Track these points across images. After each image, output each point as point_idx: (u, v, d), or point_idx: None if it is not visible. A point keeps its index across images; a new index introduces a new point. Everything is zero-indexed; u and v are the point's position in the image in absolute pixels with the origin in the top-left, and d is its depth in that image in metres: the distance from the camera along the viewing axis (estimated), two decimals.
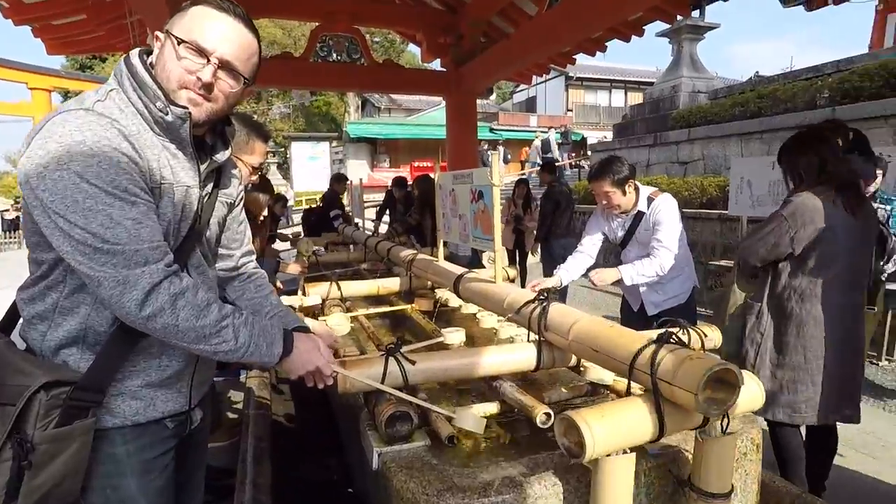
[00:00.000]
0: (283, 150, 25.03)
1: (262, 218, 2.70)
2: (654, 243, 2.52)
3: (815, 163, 2.00)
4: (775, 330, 2.07)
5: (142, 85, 0.96)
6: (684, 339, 1.49)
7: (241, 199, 1.26)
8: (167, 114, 0.97)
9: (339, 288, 2.49)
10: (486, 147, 18.18)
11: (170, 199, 0.99)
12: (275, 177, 22.57)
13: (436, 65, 6.37)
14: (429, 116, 22.30)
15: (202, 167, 1.07)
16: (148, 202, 0.94)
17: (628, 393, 1.10)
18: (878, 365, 4.02)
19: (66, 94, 15.63)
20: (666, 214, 2.52)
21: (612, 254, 3.18)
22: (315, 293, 2.48)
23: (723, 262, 5.15)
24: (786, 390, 2.02)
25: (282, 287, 3.03)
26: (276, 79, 5.90)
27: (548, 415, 1.22)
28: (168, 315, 0.92)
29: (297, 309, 2.33)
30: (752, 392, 1.04)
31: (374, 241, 3.49)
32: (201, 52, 0.96)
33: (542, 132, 19.13)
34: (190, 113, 0.99)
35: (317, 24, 5.55)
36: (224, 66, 0.98)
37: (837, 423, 2.12)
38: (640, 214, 2.60)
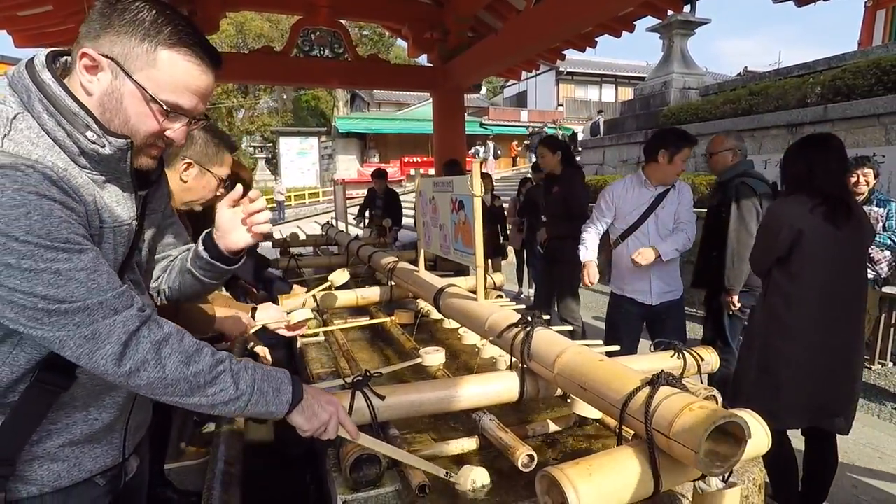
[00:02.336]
0: (271, 144, 24.75)
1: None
2: (683, 217, 2.83)
3: (804, 171, 2.01)
4: (765, 333, 2.08)
5: (61, 109, 0.79)
6: (680, 363, 1.39)
7: (168, 200, 1.11)
8: (104, 146, 0.81)
9: (316, 299, 2.35)
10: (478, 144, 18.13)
11: (109, 244, 0.85)
12: (263, 172, 22.31)
13: (423, 60, 6.23)
14: (419, 111, 22.12)
15: (142, 194, 0.93)
16: (94, 248, 0.80)
17: (619, 441, 0.98)
18: (870, 369, 3.97)
19: None
20: (689, 193, 2.92)
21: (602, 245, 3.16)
22: (289, 304, 2.34)
23: None
24: (769, 394, 2.00)
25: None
26: (256, 75, 5.73)
27: (531, 457, 1.11)
28: (153, 367, 0.79)
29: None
30: (759, 440, 0.93)
31: (357, 245, 3.35)
32: (180, 113, 0.86)
33: (535, 127, 19.07)
34: (132, 143, 0.84)
35: (298, 17, 5.38)
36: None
37: (833, 433, 2.08)
38: (670, 189, 2.84)
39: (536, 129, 19.01)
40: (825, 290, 1.95)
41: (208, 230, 1.08)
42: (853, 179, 3.26)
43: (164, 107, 0.83)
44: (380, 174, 6.70)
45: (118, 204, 0.88)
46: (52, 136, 0.79)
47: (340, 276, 2.36)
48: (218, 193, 1.75)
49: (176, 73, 0.83)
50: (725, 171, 2.97)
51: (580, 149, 12.86)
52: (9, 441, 0.81)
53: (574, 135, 17.21)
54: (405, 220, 7.34)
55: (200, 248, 1.06)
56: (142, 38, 0.80)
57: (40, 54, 0.83)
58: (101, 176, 0.86)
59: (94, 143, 0.81)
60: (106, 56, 0.80)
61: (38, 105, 0.79)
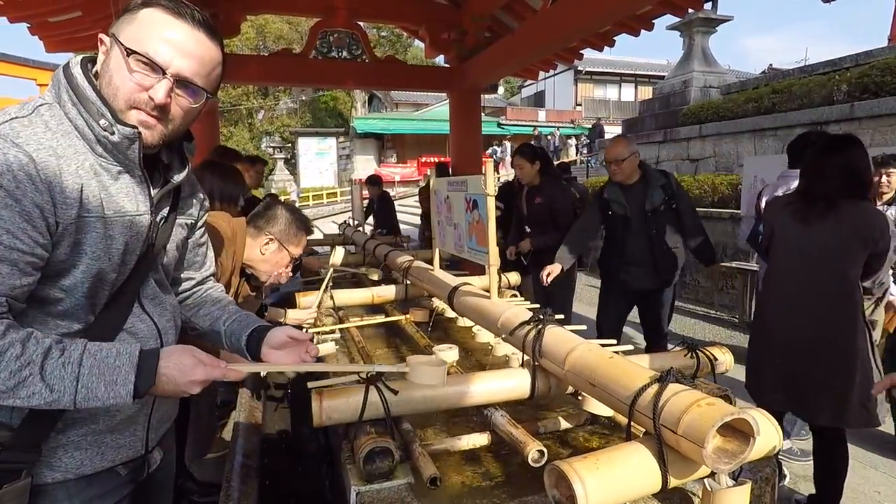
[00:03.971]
0: (289, 145, 25.06)
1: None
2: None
3: (802, 170, 2.17)
4: (756, 314, 2.39)
5: (83, 99, 0.84)
6: (692, 363, 1.39)
7: (204, 219, 1.15)
8: (113, 133, 0.85)
9: (333, 298, 2.39)
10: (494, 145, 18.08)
11: (98, 233, 0.86)
12: (282, 172, 22.62)
13: (440, 61, 6.25)
14: (436, 111, 22.17)
15: (154, 191, 0.95)
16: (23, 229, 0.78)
17: (628, 436, 0.99)
18: None
19: None
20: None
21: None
22: (306, 303, 2.38)
23: (734, 264, 4.99)
24: (750, 369, 2.26)
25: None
26: (275, 76, 5.81)
27: (541, 452, 1.12)
28: None
29: (284, 322, 2.25)
30: (769, 437, 0.93)
31: (373, 245, 3.39)
32: (154, 67, 0.84)
33: (541, 128, 18.95)
34: (140, 133, 0.86)
35: (317, 19, 5.45)
36: (181, 82, 0.87)
37: (835, 432, 2.13)
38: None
39: (538, 132, 18.87)
40: (793, 281, 2.10)
41: (257, 329, 1.08)
42: (875, 179, 3.17)
43: (137, 54, 0.83)
44: (373, 181, 6.79)
45: (126, 196, 0.90)
46: (74, 124, 0.85)
47: (337, 255, 2.41)
48: (286, 271, 1.92)
49: (151, 24, 0.84)
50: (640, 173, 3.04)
51: (603, 140, 12.73)
52: (36, 428, 0.85)
53: (594, 127, 17.03)
54: (408, 220, 7.37)
55: (243, 341, 1.08)
56: (133, 9, 0.85)
57: (76, 57, 0.89)
58: (116, 166, 0.88)
59: (105, 129, 0.84)
60: (109, 35, 0.86)
61: (65, 95, 0.85)
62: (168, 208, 1.01)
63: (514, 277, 2.83)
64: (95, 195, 0.86)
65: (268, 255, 1.81)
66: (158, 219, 0.97)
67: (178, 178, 0.99)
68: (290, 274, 2.04)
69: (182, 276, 1.14)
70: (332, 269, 2.32)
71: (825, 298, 2.03)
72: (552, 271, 2.96)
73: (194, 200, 1.09)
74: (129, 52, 0.83)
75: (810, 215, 2.05)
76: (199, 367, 0.89)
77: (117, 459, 0.96)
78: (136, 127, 0.86)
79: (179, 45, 0.85)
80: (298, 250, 1.86)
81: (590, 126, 18.89)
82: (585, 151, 16.93)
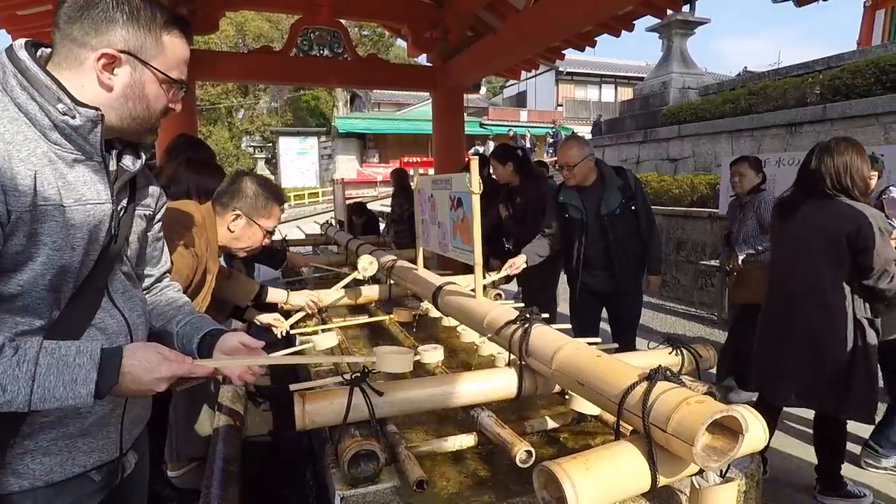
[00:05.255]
0: (270, 144, 24.72)
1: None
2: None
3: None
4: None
5: (35, 83, 0.81)
6: (678, 360, 1.40)
7: (161, 212, 1.12)
8: (74, 116, 0.82)
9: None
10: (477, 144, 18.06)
11: (56, 222, 0.82)
12: (262, 172, 22.29)
13: (422, 60, 6.22)
14: (419, 111, 22.11)
15: (112, 180, 0.92)
16: None
17: (617, 435, 0.99)
18: None
19: None
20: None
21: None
22: (294, 302, 2.33)
23: (713, 262, 5.06)
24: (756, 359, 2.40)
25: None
26: (255, 74, 5.71)
27: (529, 453, 1.11)
28: None
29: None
30: (756, 435, 0.93)
31: (356, 244, 3.35)
32: (180, 85, 0.96)
33: (514, 130, 18.99)
34: (102, 115, 0.85)
35: (298, 17, 5.38)
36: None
37: (829, 417, 2.25)
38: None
39: (513, 132, 18.88)
40: (780, 272, 2.30)
41: (210, 333, 1.08)
42: None
43: (172, 83, 0.94)
44: (360, 209, 6.50)
45: (84, 184, 0.87)
46: (22, 109, 0.82)
47: (369, 266, 2.38)
48: (264, 243, 1.82)
49: (176, 52, 0.94)
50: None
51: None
52: None
53: (573, 134, 17.19)
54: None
55: (195, 345, 1.07)
56: (148, 29, 0.89)
57: (19, 41, 0.86)
58: (71, 154, 0.85)
59: (64, 114, 0.82)
60: (123, 51, 0.87)
61: (12, 80, 0.82)
62: (127, 199, 0.98)
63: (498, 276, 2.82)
64: (51, 183, 0.82)
65: (237, 231, 1.72)
66: (119, 208, 0.94)
67: (134, 165, 0.97)
68: (269, 242, 1.95)
69: (143, 272, 1.11)
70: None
71: (807, 291, 2.14)
72: (516, 263, 2.80)
73: (150, 191, 1.07)
74: (166, 79, 0.93)
75: (790, 212, 2.21)
76: (165, 363, 0.86)
77: (90, 464, 0.92)
78: (99, 109, 0.85)
79: (186, 61, 0.98)
80: (271, 222, 1.76)
81: (569, 127, 19.02)
82: (551, 152, 17.00)
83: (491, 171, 3.95)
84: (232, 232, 1.72)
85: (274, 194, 1.76)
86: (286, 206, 18.77)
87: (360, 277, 2.39)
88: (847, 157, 2.04)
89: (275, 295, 2.21)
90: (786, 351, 2.23)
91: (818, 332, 2.12)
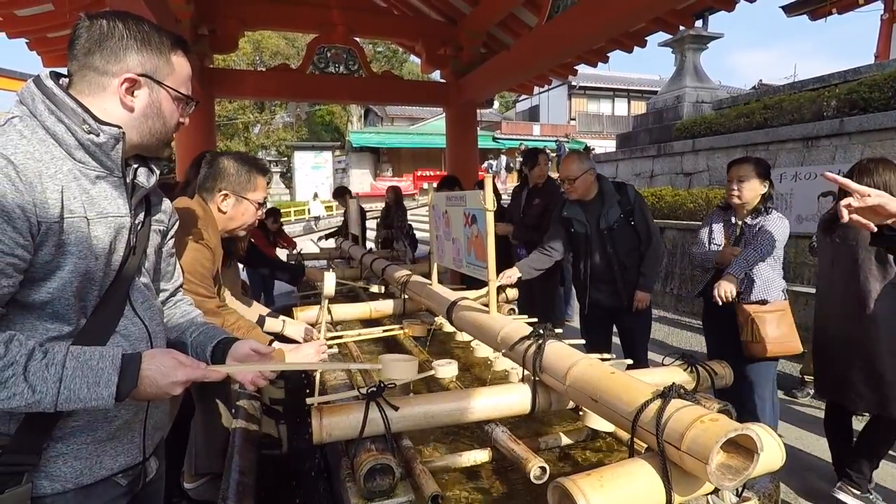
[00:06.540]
0: (285, 159, 25.12)
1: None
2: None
3: None
4: None
5: (62, 108, 0.89)
6: (692, 378, 1.39)
7: (174, 229, 1.18)
8: (98, 134, 0.89)
9: (330, 312, 2.38)
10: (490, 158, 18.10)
11: (82, 232, 0.88)
12: (278, 186, 22.62)
13: (436, 76, 6.31)
14: (432, 125, 22.32)
15: (130, 195, 0.99)
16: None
17: (631, 453, 0.99)
18: None
19: None
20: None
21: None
22: (304, 317, 2.37)
23: None
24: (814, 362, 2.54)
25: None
26: (273, 91, 5.85)
27: (543, 469, 1.11)
28: None
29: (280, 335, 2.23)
30: (772, 453, 0.93)
31: (370, 259, 3.39)
32: (189, 100, 1.04)
33: (525, 144, 19.02)
34: (124, 133, 0.92)
35: (314, 35, 5.51)
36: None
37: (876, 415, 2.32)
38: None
39: (524, 146, 18.96)
40: (826, 283, 2.44)
41: (223, 341, 1.14)
42: None
43: (183, 99, 1.02)
44: (340, 192, 6.43)
45: (105, 199, 0.93)
46: (50, 132, 0.88)
47: (329, 283, 2.07)
48: (258, 216, 1.83)
49: (183, 70, 1.02)
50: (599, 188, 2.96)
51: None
52: (34, 431, 0.85)
53: (587, 148, 17.22)
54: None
55: (208, 353, 1.14)
56: (159, 51, 0.97)
57: (44, 71, 0.94)
58: (94, 171, 0.92)
59: (89, 133, 0.89)
60: (142, 75, 0.95)
61: (41, 106, 0.89)
62: (143, 213, 1.04)
63: (511, 292, 2.83)
64: (76, 197, 0.88)
65: (229, 210, 1.72)
66: (136, 222, 1.00)
67: (148, 181, 1.02)
68: (262, 216, 1.94)
69: (159, 287, 1.16)
70: (326, 301, 2.16)
71: (849, 301, 2.29)
72: (509, 275, 2.78)
73: (163, 208, 1.13)
74: (179, 96, 1.01)
75: (829, 228, 2.35)
76: (181, 368, 0.92)
77: (115, 467, 0.96)
78: (121, 127, 0.92)
79: (191, 77, 1.05)
80: (259, 194, 1.76)
81: (582, 140, 19.00)
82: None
83: (536, 168, 3.96)
84: (224, 213, 1.72)
85: (255, 166, 1.77)
86: (301, 219, 19.03)
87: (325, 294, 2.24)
88: (886, 177, 2.17)
89: (271, 325, 2.18)
90: (842, 361, 2.32)
91: (872, 342, 2.22)
